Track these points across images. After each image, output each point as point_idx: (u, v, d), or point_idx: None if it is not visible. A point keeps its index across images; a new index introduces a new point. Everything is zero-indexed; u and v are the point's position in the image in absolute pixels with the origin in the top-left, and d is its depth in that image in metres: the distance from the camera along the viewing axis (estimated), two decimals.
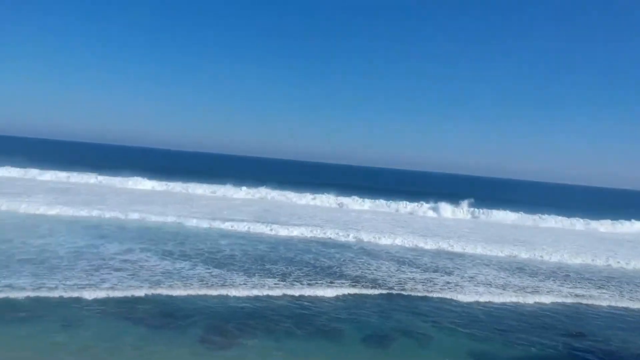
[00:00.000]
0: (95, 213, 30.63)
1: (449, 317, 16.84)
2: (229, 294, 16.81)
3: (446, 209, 49.57)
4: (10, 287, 15.41)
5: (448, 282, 21.48)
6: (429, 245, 30.11)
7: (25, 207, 30.75)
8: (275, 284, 18.61)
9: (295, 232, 30.31)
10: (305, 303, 16.77)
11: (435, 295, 19.23)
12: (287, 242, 27.66)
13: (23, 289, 15.35)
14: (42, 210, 30.36)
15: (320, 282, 19.47)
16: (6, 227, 25.25)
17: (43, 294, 15.12)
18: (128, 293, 15.93)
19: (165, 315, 14.41)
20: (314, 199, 50.24)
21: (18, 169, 53.29)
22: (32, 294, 14.98)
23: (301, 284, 18.96)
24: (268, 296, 17.03)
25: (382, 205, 50.31)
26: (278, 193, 51.63)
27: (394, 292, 19.13)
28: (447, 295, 19.36)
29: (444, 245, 30.22)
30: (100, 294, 15.56)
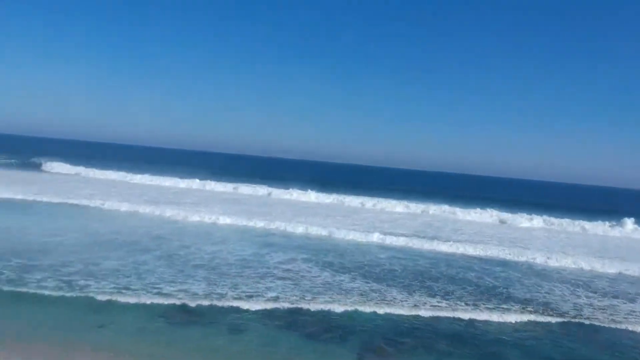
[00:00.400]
0: (262, 223, 32.14)
1: (636, 350, 14.91)
2: (388, 310, 16.44)
3: (631, 228, 44.76)
4: (185, 292, 16.53)
5: (632, 311, 19.15)
6: (608, 267, 27.24)
7: (202, 216, 33.23)
8: (437, 302, 17.89)
9: (457, 248, 29.18)
10: (468, 325, 15.87)
11: (616, 325, 17.19)
12: (449, 258, 26.69)
13: (196, 294, 16.38)
14: (216, 219, 32.57)
15: (485, 303, 18.36)
16: (185, 234, 27.41)
17: (214, 299, 15.99)
18: (289, 302, 16.28)
19: (323, 328, 14.46)
20: (479, 214, 48.11)
21: (198, 181, 58.18)
22: (204, 299, 15.90)
23: (466, 304, 18.02)
24: (429, 316, 16.37)
25: (553, 222, 46.75)
26: (440, 207, 50.34)
27: (568, 318, 17.44)
28: (633, 326, 17.22)
29: (624, 268, 27.14)
30: (264, 302, 16.09)
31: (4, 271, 17.05)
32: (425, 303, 17.62)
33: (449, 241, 30.78)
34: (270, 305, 15.85)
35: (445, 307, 17.42)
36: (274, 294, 17.04)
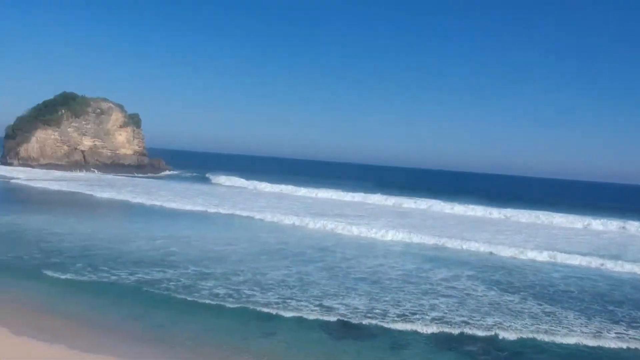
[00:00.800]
0: (425, 238, 31.32)
1: None
2: (563, 336, 14.88)
3: None
4: (346, 306, 16.48)
5: None
6: None
7: (365, 229, 33.36)
8: (623, 330, 15.88)
9: None
10: None
11: None
12: (636, 280, 23.84)
13: (357, 308, 16.25)
14: (378, 232, 32.43)
15: None
16: (348, 246, 27.73)
17: (375, 314, 15.73)
18: (453, 322, 15.48)
19: (487, 351, 13.51)
20: None
21: (362, 194, 58.89)
22: (365, 314, 15.70)
23: None
24: (612, 346, 14.52)
25: None
26: (625, 223, 45.38)
27: None
28: None
29: None
30: (427, 321, 15.47)
31: (181, 279, 18.42)
32: (608, 330, 15.75)
33: (637, 261, 27.52)
34: (433, 324, 15.19)
35: (633, 336, 15.36)
36: (437, 313, 16.33)
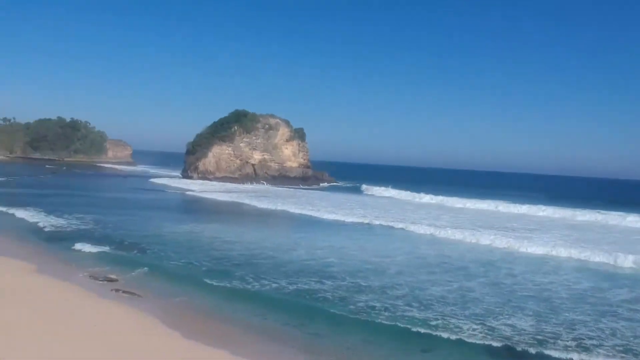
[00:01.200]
0: (602, 254, 28.13)
1: None
2: None
3: None
4: (512, 327, 15.20)
5: None
6: None
7: (532, 243, 31.03)
8: None
9: None
10: None
11: None
12: None
13: (523, 330, 14.95)
14: (548, 247, 29.94)
15: None
16: (514, 261, 26.02)
17: (546, 338, 14.36)
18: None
19: None
20: None
21: (529, 206, 55.14)
22: (533, 337, 14.41)
23: None
24: None
25: None
26: None
27: None
28: None
29: None
30: (608, 348, 13.80)
31: (338, 290, 18.42)
32: None
33: None
34: (615, 353, 13.45)
35: None
36: (619, 340, 14.45)
